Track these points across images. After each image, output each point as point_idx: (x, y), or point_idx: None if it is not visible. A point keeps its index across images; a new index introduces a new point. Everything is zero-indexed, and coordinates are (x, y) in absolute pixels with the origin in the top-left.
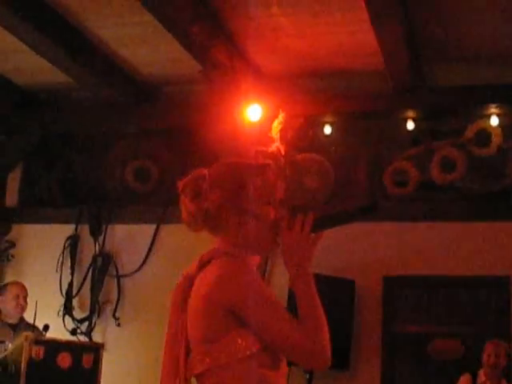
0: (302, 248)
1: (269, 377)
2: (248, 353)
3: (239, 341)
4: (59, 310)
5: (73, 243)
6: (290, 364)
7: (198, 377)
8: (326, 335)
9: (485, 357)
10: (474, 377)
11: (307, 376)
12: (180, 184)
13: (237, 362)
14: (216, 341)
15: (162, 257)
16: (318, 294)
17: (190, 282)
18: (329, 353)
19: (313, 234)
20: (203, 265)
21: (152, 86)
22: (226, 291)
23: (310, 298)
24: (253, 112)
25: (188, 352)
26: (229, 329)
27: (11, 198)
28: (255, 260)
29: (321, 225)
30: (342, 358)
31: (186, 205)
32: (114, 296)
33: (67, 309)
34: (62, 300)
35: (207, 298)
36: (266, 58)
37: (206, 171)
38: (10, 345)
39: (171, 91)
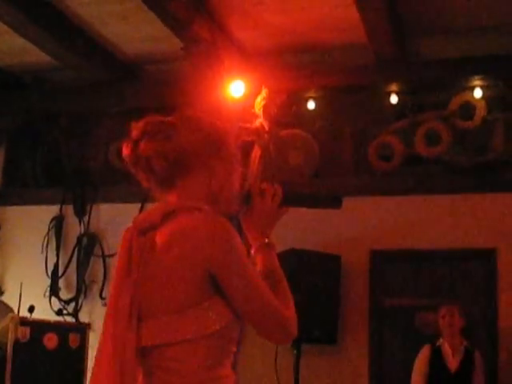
0: (269, 218)
1: (233, 353)
2: (217, 327)
3: (210, 313)
4: (45, 291)
5: (58, 224)
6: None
7: (149, 350)
8: (293, 306)
9: (440, 320)
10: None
11: (295, 351)
12: (137, 124)
13: (204, 337)
14: (183, 311)
15: None
16: (278, 264)
17: (144, 236)
18: (296, 325)
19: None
20: (165, 219)
21: (135, 64)
22: (208, 251)
23: (276, 268)
24: (236, 88)
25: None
26: (201, 298)
27: None
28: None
29: (287, 201)
30: (329, 332)
31: (144, 149)
32: (100, 276)
33: (53, 290)
34: (48, 281)
35: (185, 259)
36: (249, 34)
37: (164, 117)
38: None
39: (154, 69)
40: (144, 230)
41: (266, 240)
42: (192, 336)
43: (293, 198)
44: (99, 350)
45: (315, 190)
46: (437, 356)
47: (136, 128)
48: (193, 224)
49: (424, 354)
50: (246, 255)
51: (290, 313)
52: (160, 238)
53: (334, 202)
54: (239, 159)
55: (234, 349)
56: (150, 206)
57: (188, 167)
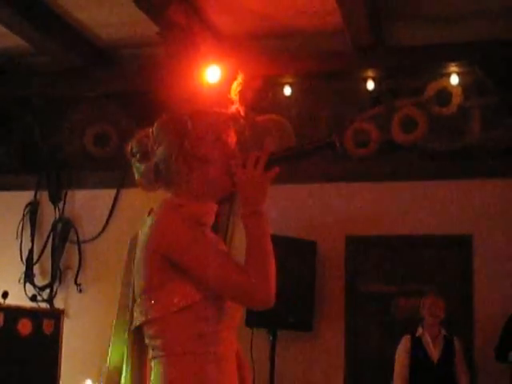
0: (256, 186)
1: (208, 330)
2: (182, 305)
3: (174, 293)
4: (20, 278)
5: (32, 210)
6: (252, 325)
7: (140, 327)
8: (272, 273)
9: (424, 310)
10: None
11: (271, 338)
12: (127, 147)
13: (172, 315)
14: (151, 292)
15: (123, 221)
16: (269, 234)
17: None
18: (273, 291)
19: (267, 171)
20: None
21: (110, 49)
22: (161, 238)
23: (258, 236)
24: (211, 73)
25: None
26: (165, 279)
27: None
28: (211, 207)
29: (275, 161)
30: (305, 319)
31: (136, 167)
32: (75, 262)
33: (28, 276)
34: (23, 267)
35: (145, 246)
36: (224, 19)
37: (150, 129)
38: None
39: (129, 54)
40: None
41: (250, 209)
42: (160, 314)
43: (280, 156)
44: None
45: (304, 142)
46: (417, 346)
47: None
48: (153, 218)
49: (404, 344)
50: (201, 237)
51: (257, 280)
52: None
53: (326, 146)
54: (212, 139)
55: (215, 327)
56: (125, 192)
57: (167, 170)
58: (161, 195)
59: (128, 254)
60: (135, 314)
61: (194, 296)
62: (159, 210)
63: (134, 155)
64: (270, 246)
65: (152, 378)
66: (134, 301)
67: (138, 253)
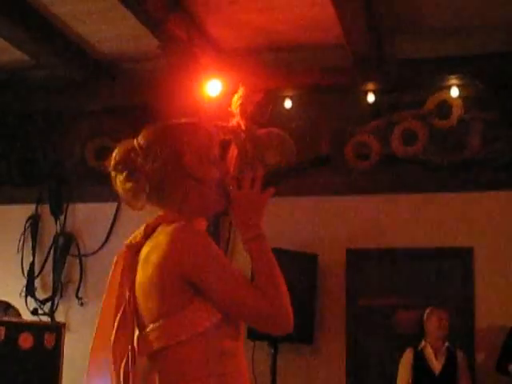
0: (252, 205)
1: (231, 348)
2: (208, 324)
3: (199, 313)
4: (21, 291)
5: (33, 223)
6: (254, 338)
7: (152, 355)
8: (287, 298)
9: (428, 323)
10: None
11: (272, 350)
12: (109, 161)
13: (197, 336)
14: (173, 315)
15: (124, 235)
16: (273, 256)
17: (135, 252)
18: (291, 316)
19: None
20: (149, 234)
21: (111, 63)
22: (181, 258)
23: (267, 261)
24: (212, 87)
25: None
26: (186, 301)
27: None
28: (202, 225)
29: (272, 180)
30: (305, 332)
31: (122, 183)
32: (77, 276)
33: (29, 290)
34: (24, 281)
35: (161, 268)
36: (225, 32)
37: (134, 141)
38: None
39: (130, 68)
40: (133, 249)
41: (252, 233)
42: (187, 337)
43: (275, 175)
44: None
45: (298, 161)
46: (420, 359)
47: (109, 161)
48: (167, 237)
49: (407, 358)
50: (221, 258)
51: (276, 306)
52: (143, 253)
53: (320, 161)
54: (212, 159)
55: (235, 343)
56: (125, 206)
57: (161, 190)
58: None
59: (120, 266)
60: (146, 340)
61: (217, 313)
62: (169, 228)
63: (119, 172)
64: (278, 270)
65: None
66: (143, 325)
67: (147, 274)
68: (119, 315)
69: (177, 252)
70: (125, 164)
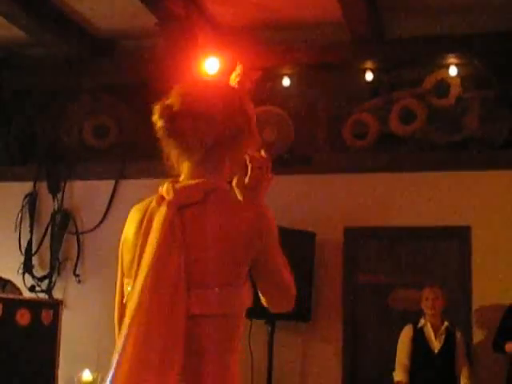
0: (264, 189)
1: (241, 335)
2: (249, 305)
3: (248, 293)
4: (19, 268)
5: (31, 201)
6: (251, 317)
7: (193, 318)
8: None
9: (423, 302)
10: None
11: (269, 328)
12: (183, 97)
13: (235, 314)
14: (232, 286)
15: (122, 212)
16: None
17: (192, 212)
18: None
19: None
20: (194, 196)
21: (108, 40)
22: (266, 228)
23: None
24: (210, 65)
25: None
26: (243, 278)
27: None
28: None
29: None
30: (303, 309)
31: (184, 126)
32: (74, 253)
33: (27, 267)
34: (22, 258)
35: (245, 237)
36: (223, 10)
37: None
38: None
39: (128, 45)
40: (185, 206)
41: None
42: (230, 311)
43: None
44: (138, 323)
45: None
46: (419, 337)
47: (176, 100)
48: (255, 209)
49: (407, 334)
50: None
51: (293, 281)
52: (208, 214)
53: (303, 161)
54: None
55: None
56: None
57: (218, 148)
58: (159, 185)
59: (171, 224)
60: (197, 300)
61: (251, 297)
62: (228, 195)
63: (192, 113)
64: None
65: (211, 369)
66: (190, 282)
67: (224, 237)
68: (169, 273)
69: (266, 227)
70: (198, 110)
